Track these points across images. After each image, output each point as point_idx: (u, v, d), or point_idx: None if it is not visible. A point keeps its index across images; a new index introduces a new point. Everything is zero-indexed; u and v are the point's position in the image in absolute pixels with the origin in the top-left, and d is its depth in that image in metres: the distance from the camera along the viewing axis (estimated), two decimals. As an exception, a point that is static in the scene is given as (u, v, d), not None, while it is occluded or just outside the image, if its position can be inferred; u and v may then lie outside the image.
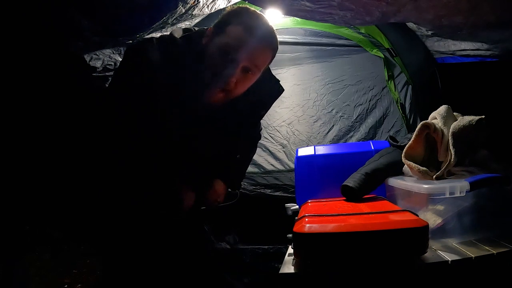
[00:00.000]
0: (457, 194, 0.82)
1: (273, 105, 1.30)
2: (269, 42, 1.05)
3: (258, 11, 1.04)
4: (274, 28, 1.07)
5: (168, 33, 1.07)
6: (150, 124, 0.98)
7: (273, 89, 1.20)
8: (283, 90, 1.22)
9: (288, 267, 0.81)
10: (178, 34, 1.06)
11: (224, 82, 1.00)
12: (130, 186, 0.99)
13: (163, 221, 1.06)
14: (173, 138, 1.02)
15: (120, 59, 1.57)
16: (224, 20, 1.03)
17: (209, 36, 1.04)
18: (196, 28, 1.12)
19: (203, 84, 1.01)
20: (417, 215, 0.81)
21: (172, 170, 1.05)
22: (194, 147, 1.07)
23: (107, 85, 1.66)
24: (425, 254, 0.77)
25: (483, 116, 1.00)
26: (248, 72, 1.03)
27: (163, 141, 1.01)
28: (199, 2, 1.29)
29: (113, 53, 1.54)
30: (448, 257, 0.77)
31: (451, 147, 0.97)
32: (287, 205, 1.28)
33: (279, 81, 1.21)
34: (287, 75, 2.26)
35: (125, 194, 1.00)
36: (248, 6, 1.05)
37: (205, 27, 1.11)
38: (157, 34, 1.55)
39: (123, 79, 1.02)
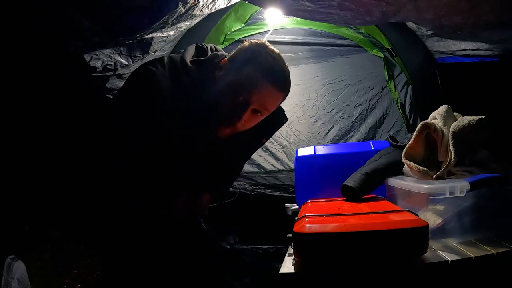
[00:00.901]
0: (457, 194, 0.82)
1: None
2: (283, 88, 1.03)
3: (276, 51, 1.01)
4: (259, 40, 1.06)
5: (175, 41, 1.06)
6: (150, 137, 0.98)
7: (278, 119, 1.19)
8: (286, 119, 1.21)
9: (288, 267, 0.81)
10: (189, 56, 1.03)
11: (231, 121, 1.00)
12: (130, 186, 0.99)
13: (163, 221, 1.06)
14: (173, 150, 1.01)
15: (120, 59, 1.57)
16: (242, 58, 1.00)
17: (223, 70, 1.02)
18: (209, 48, 1.08)
19: (211, 118, 1.00)
20: (417, 215, 0.81)
21: (172, 171, 1.06)
22: (191, 171, 1.05)
23: (108, 86, 1.67)
24: (425, 254, 0.77)
25: (483, 116, 1.00)
26: (258, 113, 1.02)
27: (163, 143, 1.02)
28: (199, 2, 1.29)
29: (113, 53, 1.54)
30: (448, 257, 0.77)
31: (451, 147, 0.97)
32: (287, 205, 1.27)
33: (284, 111, 1.20)
34: (287, 75, 2.26)
35: (125, 194, 1.00)
36: (267, 44, 1.01)
37: (218, 53, 1.07)
38: (157, 34, 1.55)
39: (129, 98, 0.99)
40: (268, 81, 0.98)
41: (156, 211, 1.03)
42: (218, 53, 1.08)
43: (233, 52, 1.05)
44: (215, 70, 1.02)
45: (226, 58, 1.04)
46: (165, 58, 1.01)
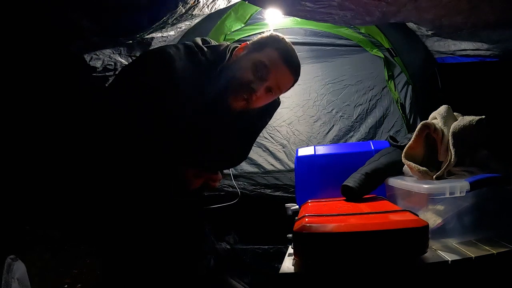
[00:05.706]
0: (457, 194, 0.82)
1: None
2: (295, 73, 1.14)
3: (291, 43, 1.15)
4: (277, 32, 1.16)
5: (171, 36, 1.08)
6: (159, 125, 1.00)
7: (275, 101, 1.27)
8: (280, 102, 1.31)
9: (288, 267, 0.81)
10: (200, 42, 1.13)
11: (248, 94, 1.08)
12: (130, 186, 0.99)
13: (163, 221, 1.06)
14: (184, 138, 1.04)
15: (120, 59, 1.57)
16: (264, 41, 1.13)
17: (244, 50, 1.12)
18: (211, 40, 1.19)
19: (229, 91, 1.08)
20: (417, 215, 0.81)
21: (174, 172, 1.06)
22: (203, 149, 1.09)
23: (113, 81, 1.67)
24: (425, 254, 0.77)
25: (483, 116, 1.00)
26: (270, 92, 1.11)
27: (167, 141, 1.02)
28: (199, 2, 1.29)
29: (113, 53, 1.54)
30: (448, 257, 0.77)
31: (451, 147, 0.97)
32: (287, 205, 1.28)
33: None
34: (287, 75, 2.25)
35: (125, 194, 1.00)
36: (285, 38, 1.15)
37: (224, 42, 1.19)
38: (157, 34, 1.55)
39: (143, 75, 1.03)
40: (285, 64, 1.10)
41: (156, 212, 1.03)
42: (224, 42, 1.19)
43: (253, 38, 1.18)
44: (226, 53, 1.12)
45: (247, 42, 1.16)
46: (178, 44, 1.10)
